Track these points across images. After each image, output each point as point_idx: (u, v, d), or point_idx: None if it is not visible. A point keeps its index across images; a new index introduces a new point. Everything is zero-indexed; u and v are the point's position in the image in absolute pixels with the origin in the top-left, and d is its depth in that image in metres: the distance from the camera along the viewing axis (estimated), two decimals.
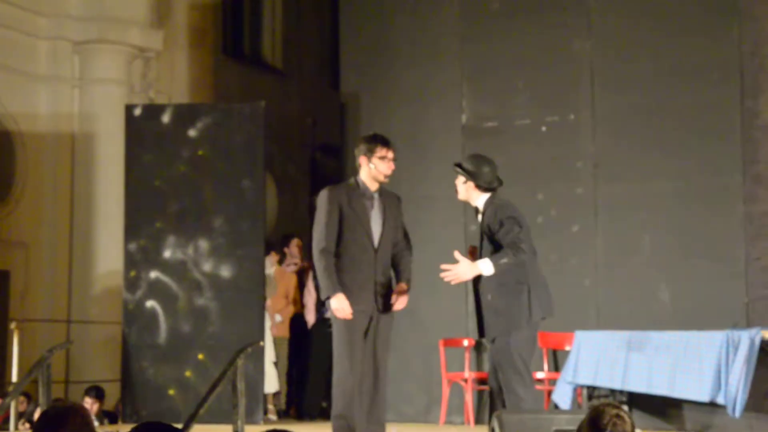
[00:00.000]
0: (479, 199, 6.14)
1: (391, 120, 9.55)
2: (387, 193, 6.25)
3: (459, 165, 6.18)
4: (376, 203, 6.16)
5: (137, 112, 9.12)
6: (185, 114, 9.05)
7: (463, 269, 5.93)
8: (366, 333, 6.05)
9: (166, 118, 8.98)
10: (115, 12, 11.17)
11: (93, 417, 9.04)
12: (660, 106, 8.78)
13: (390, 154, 6.12)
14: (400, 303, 6.13)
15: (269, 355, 9.46)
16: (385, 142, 6.15)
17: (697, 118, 8.66)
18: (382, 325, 6.10)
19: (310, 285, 9.96)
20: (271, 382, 9.33)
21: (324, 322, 9.72)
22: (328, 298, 5.96)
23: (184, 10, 12.31)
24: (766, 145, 8.46)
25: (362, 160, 6.14)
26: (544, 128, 9.19)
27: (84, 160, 11.01)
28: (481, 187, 6.11)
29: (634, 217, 8.78)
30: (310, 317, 9.92)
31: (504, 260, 5.89)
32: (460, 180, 6.14)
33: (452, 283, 6.00)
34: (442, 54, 9.63)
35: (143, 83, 11.69)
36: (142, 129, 8.99)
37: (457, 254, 5.97)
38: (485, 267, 5.90)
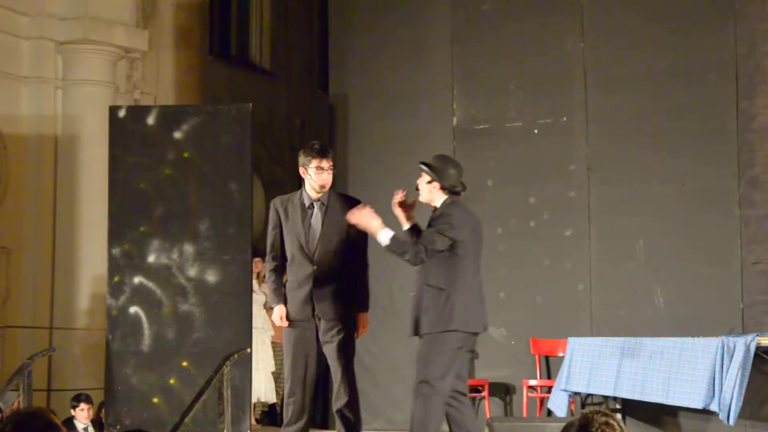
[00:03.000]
0: (439, 201, 5.98)
1: (381, 122, 9.43)
2: (337, 200, 6.19)
3: (425, 164, 6.02)
4: (316, 212, 6.13)
5: (121, 113, 8.94)
6: (171, 115, 8.88)
7: (369, 215, 5.81)
8: (318, 343, 6.14)
9: (151, 119, 8.81)
10: (100, 12, 10.99)
11: (89, 424, 8.94)
12: (654, 108, 8.67)
13: (325, 164, 6.09)
14: (361, 331, 6.22)
15: (270, 364, 9.40)
16: (321, 153, 6.11)
17: (692, 120, 8.56)
18: (328, 333, 6.09)
19: None
20: (268, 392, 9.30)
21: None
22: (271, 308, 6.26)
23: (170, 10, 12.15)
24: (762, 148, 8.36)
25: (301, 171, 6.17)
26: (536, 130, 9.08)
27: (67, 162, 10.83)
28: (445, 189, 5.95)
29: (628, 221, 8.67)
30: None
31: (400, 248, 5.74)
32: (424, 179, 5.98)
33: (352, 220, 5.86)
34: (433, 55, 9.51)
35: (128, 84, 11.53)
36: (127, 131, 8.81)
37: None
38: (383, 234, 5.76)
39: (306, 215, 6.14)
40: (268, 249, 6.27)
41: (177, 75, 12.17)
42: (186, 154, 8.68)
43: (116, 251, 8.61)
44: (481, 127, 9.29)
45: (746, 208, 8.33)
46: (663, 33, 8.70)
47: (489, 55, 9.30)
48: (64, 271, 10.71)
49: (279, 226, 6.19)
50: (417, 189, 6.02)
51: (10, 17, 10.68)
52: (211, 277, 8.51)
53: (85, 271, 10.61)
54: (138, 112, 9.17)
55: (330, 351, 6.11)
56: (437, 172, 5.93)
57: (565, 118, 8.98)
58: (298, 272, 6.12)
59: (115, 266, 8.61)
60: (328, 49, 10.36)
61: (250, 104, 8.88)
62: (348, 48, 9.96)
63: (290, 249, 6.14)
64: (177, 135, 8.70)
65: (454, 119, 9.38)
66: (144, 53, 11.54)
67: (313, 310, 6.09)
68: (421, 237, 5.82)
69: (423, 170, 5.98)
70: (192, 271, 8.53)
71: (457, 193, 5.98)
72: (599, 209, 8.80)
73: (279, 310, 6.13)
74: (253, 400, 9.18)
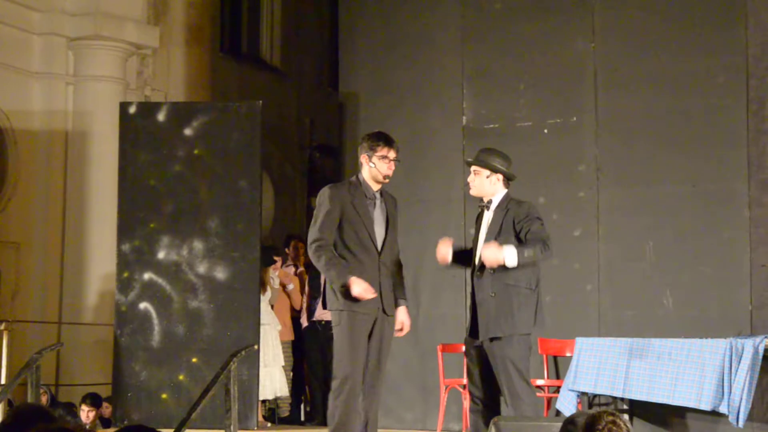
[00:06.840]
0: (499, 194, 6.00)
1: (391, 121, 9.40)
2: (387, 194, 6.13)
3: (482, 160, 6.02)
4: (378, 203, 6.03)
5: (132, 110, 8.96)
6: (181, 112, 8.90)
7: (491, 249, 5.78)
8: (370, 335, 5.93)
9: (161, 116, 8.82)
10: (111, 8, 11.03)
11: (88, 425, 8.93)
12: (665, 110, 8.64)
13: (392, 154, 5.99)
14: (406, 327, 6.09)
15: (280, 359, 9.44)
16: (388, 141, 6.01)
17: (703, 122, 8.52)
18: (387, 328, 6.00)
19: (306, 286, 9.87)
20: (283, 386, 9.34)
21: (316, 324, 9.62)
22: (344, 286, 5.75)
23: (181, 7, 12.17)
24: None
25: (363, 158, 6.01)
26: (546, 130, 9.06)
27: (77, 158, 10.86)
28: (509, 180, 6.02)
29: (637, 222, 8.64)
30: (303, 319, 9.83)
31: (529, 253, 5.76)
32: (484, 174, 5.99)
33: (488, 263, 5.82)
34: (443, 54, 9.48)
35: (139, 81, 11.56)
36: (137, 127, 8.83)
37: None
38: (509, 255, 5.75)
39: (371, 206, 5.97)
40: (317, 230, 5.85)
41: (187, 72, 12.19)
42: (196, 151, 8.70)
43: (126, 247, 8.64)
44: (491, 126, 9.27)
45: (756, 209, 8.29)
46: (674, 34, 8.67)
47: (499, 54, 9.28)
48: (73, 266, 10.74)
49: (339, 214, 5.87)
50: (468, 185, 6.08)
51: (22, 13, 10.72)
52: (221, 273, 8.53)
53: (94, 267, 10.63)
54: (148, 108, 9.18)
55: (386, 345, 5.99)
56: (502, 166, 5.97)
57: (574, 119, 8.96)
58: (363, 265, 5.87)
59: (124, 262, 8.64)
60: (338, 47, 10.34)
61: (260, 102, 8.90)
62: (358, 46, 9.94)
63: (354, 241, 5.89)
64: (187, 132, 8.72)
65: (464, 118, 9.37)
66: (155, 50, 11.57)
67: (381, 302, 5.90)
68: (532, 234, 5.82)
69: (488, 166, 5.98)
70: (201, 268, 8.55)
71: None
72: (608, 210, 8.77)
73: (359, 283, 5.73)
74: (270, 396, 9.15)
